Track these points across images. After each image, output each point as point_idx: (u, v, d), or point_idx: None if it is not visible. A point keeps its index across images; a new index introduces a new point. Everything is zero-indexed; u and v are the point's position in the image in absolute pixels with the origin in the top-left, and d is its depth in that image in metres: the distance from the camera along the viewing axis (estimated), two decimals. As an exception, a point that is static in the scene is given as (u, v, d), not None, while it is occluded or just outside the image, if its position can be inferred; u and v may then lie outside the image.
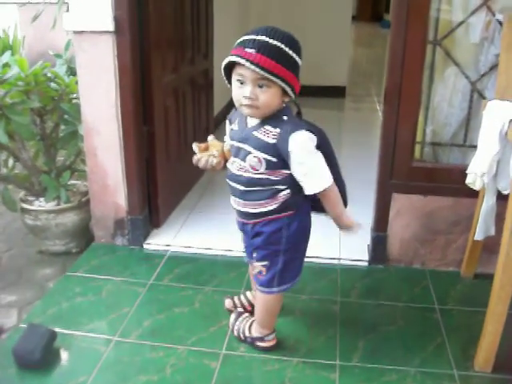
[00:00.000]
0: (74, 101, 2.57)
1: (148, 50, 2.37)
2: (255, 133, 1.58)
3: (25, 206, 2.64)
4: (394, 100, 2.13)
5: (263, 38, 1.46)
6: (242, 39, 1.50)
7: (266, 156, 1.56)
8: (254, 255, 1.76)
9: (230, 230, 2.17)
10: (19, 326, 2.04)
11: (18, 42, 2.75)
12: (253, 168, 1.59)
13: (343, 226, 1.69)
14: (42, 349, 1.81)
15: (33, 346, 1.81)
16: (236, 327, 1.94)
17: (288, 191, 1.63)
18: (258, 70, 1.45)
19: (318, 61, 5.10)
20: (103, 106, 2.34)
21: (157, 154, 2.53)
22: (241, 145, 1.61)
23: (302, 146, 1.55)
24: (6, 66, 2.44)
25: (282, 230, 1.69)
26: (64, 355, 1.89)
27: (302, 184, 1.60)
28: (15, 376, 1.79)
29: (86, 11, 2.22)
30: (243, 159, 1.60)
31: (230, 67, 1.54)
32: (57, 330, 1.93)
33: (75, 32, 2.27)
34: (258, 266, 1.76)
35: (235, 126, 1.65)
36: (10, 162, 2.71)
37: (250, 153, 1.59)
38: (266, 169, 1.58)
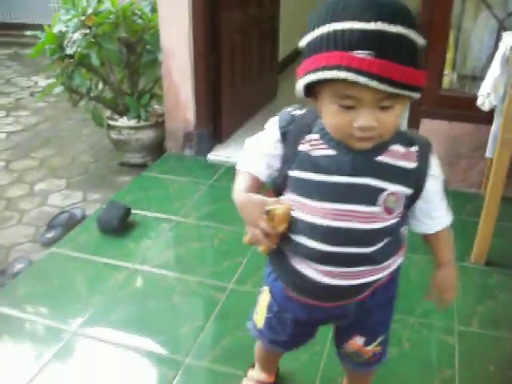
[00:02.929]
0: (156, 33, 3.08)
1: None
2: (381, 158, 1.03)
3: (111, 122, 3.21)
4: (424, 32, 2.48)
5: (378, 25, 0.86)
6: (334, 28, 0.88)
7: (405, 189, 1.06)
8: (361, 340, 1.28)
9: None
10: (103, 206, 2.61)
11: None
12: (388, 212, 1.06)
13: (455, 278, 1.24)
14: (119, 219, 2.37)
15: (112, 216, 2.36)
16: None
17: (406, 231, 1.18)
18: (390, 88, 0.88)
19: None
20: (178, 33, 2.84)
21: (222, 79, 3.02)
22: (357, 180, 1.03)
23: (439, 167, 1.11)
24: (100, 1, 2.98)
25: (397, 282, 1.26)
26: (135, 227, 2.43)
27: (426, 222, 1.15)
28: (98, 237, 2.36)
29: None
30: (371, 201, 1.04)
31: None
32: (132, 210, 2.48)
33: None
34: (369, 351, 1.30)
35: (319, 151, 1.04)
36: (100, 85, 3.27)
37: (382, 190, 1.03)
38: (402, 208, 1.09)
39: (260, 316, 1.34)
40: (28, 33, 3.10)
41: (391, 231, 1.10)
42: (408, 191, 1.07)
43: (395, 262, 1.18)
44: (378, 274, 1.15)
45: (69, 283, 2.09)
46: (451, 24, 2.55)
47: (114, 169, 3.27)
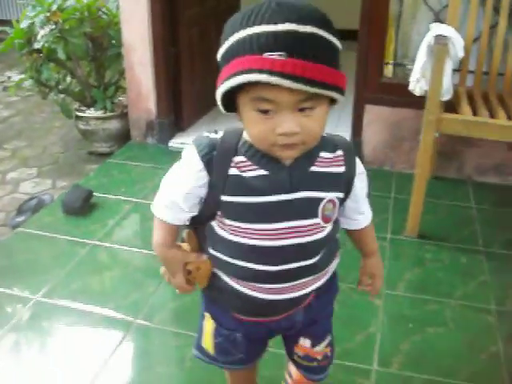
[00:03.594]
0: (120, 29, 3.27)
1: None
2: (314, 168, 1.02)
3: (79, 113, 3.39)
4: (365, 26, 2.71)
5: (287, 26, 0.85)
6: (246, 34, 0.87)
7: (338, 194, 1.06)
8: (308, 342, 1.26)
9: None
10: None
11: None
12: (326, 220, 1.06)
13: (381, 266, 1.29)
14: (81, 200, 2.56)
15: (75, 198, 2.56)
16: None
17: (338, 234, 1.18)
18: (306, 87, 0.85)
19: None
20: (139, 29, 3.04)
21: (182, 71, 3.22)
22: (296, 195, 1.00)
23: (361, 164, 1.12)
24: (65, -3, 3.16)
25: (335, 280, 1.26)
26: (97, 208, 2.63)
27: (355, 218, 1.17)
28: (62, 218, 2.55)
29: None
30: (311, 214, 1.03)
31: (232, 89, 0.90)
32: (95, 193, 2.68)
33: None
34: (320, 353, 1.28)
35: (251, 172, 0.99)
36: (68, 78, 3.46)
37: (320, 200, 1.03)
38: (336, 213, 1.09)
39: (208, 343, 1.26)
40: (-2, 28, 3.28)
41: (330, 238, 1.10)
42: (340, 195, 1.06)
43: (334, 265, 1.19)
44: (320, 280, 1.15)
45: (33, 258, 2.28)
46: (392, 16, 2.77)
47: (82, 158, 3.46)
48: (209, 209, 1.05)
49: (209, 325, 1.23)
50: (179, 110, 3.30)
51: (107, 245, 2.36)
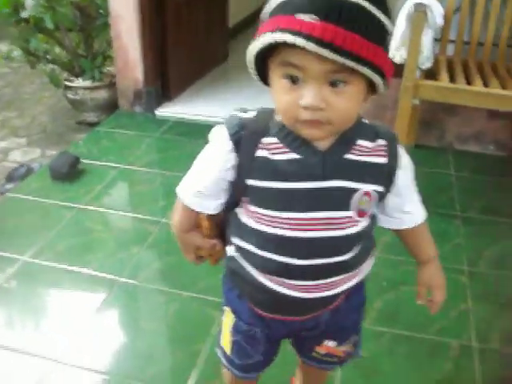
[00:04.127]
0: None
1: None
2: (350, 156, 0.94)
3: (67, 83, 3.44)
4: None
5: None
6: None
7: (378, 187, 0.97)
8: (333, 343, 1.20)
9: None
10: (56, 158, 2.87)
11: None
12: (362, 214, 0.98)
13: (442, 273, 1.18)
14: (68, 166, 2.62)
15: (62, 163, 2.62)
16: None
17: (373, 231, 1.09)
18: (334, 55, 0.77)
19: None
20: (126, -2, 3.08)
21: (168, 40, 3.27)
22: (328, 184, 0.93)
23: (407, 157, 1.03)
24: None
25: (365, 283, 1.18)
26: (84, 174, 2.70)
27: (398, 216, 1.07)
28: (49, 183, 2.62)
29: None
30: (344, 205, 0.95)
31: (264, 53, 0.85)
32: (83, 160, 2.74)
33: None
34: (342, 351, 1.22)
35: (281, 155, 0.93)
36: (56, 49, 3.50)
37: (355, 191, 0.95)
38: (373, 207, 1.01)
39: (226, 341, 1.19)
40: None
41: (365, 234, 1.02)
42: (380, 188, 0.97)
43: (369, 266, 1.10)
44: (352, 281, 1.07)
45: (21, 222, 2.36)
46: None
47: (71, 127, 3.51)
48: (235, 194, 1.00)
49: (228, 320, 1.17)
50: (166, 79, 3.35)
51: (93, 208, 2.43)
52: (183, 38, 3.46)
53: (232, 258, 1.07)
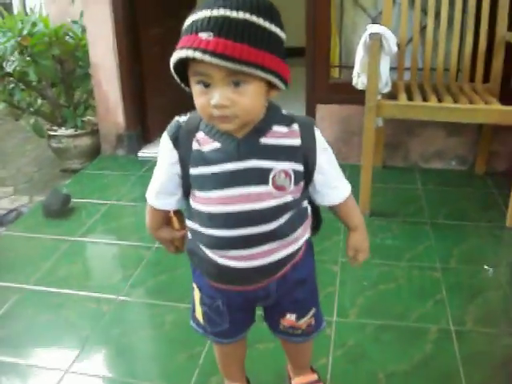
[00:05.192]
0: (86, 50, 3.55)
1: (136, 7, 3.34)
2: (265, 140, 1.14)
3: (51, 133, 3.64)
4: (310, 33, 3.05)
5: (221, 11, 1.00)
6: (190, 21, 1.04)
7: (294, 166, 1.16)
8: (293, 316, 1.39)
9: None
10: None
11: (44, 17, 3.73)
12: (280, 189, 1.16)
13: (365, 241, 1.39)
14: (60, 203, 2.79)
15: (54, 201, 2.79)
16: None
17: (308, 206, 1.30)
18: (224, 63, 0.98)
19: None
20: (104, 49, 3.33)
21: (146, 86, 3.52)
22: (244, 164, 1.13)
23: (324, 140, 1.22)
24: (34, 24, 3.44)
25: (312, 258, 1.40)
26: (75, 211, 2.87)
27: (327, 192, 1.26)
28: (43, 220, 2.78)
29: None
30: (261, 182, 1.14)
31: (184, 64, 1.06)
32: (72, 199, 2.92)
33: (83, -6, 3.27)
34: (303, 324, 1.42)
35: (208, 146, 1.15)
36: (39, 100, 3.71)
37: (270, 169, 1.14)
38: (295, 184, 1.18)
39: (198, 312, 1.41)
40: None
41: (290, 207, 1.19)
42: (298, 166, 1.16)
43: (302, 236, 1.27)
44: (287, 249, 1.24)
45: (19, 255, 2.50)
46: (335, 25, 3.12)
47: (56, 175, 3.69)
48: (184, 185, 1.21)
49: (196, 294, 1.39)
50: (146, 123, 3.58)
51: (87, 239, 2.59)
52: (160, 83, 3.68)
53: (190, 240, 1.30)
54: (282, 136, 1.16)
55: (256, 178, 1.14)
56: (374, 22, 3.09)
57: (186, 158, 1.17)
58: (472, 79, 2.86)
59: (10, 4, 5.51)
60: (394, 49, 2.62)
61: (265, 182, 1.14)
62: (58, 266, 2.39)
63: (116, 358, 1.87)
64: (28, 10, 3.81)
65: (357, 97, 2.92)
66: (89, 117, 3.79)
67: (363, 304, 2.10)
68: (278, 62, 1.05)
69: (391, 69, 2.88)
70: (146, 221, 1.34)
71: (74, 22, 3.75)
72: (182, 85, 1.14)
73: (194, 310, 1.44)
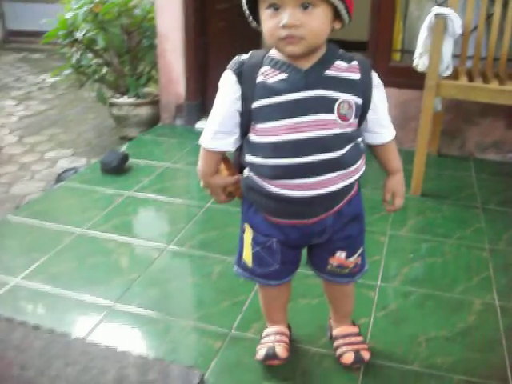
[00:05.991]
0: (153, 22, 3.67)
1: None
2: (329, 72, 1.23)
3: (113, 100, 3.77)
4: (375, 19, 3.08)
5: None
6: None
7: (355, 98, 1.24)
8: (344, 254, 1.45)
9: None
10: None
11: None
12: (343, 118, 1.23)
13: (402, 186, 1.47)
14: (117, 161, 2.90)
15: (111, 158, 2.90)
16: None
17: (362, 144, 1.36)
18: None
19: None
20: (172, 20, 3.43)
21: (209, 59, 3.61)
22: (311, 93, 1.20)
23: (379, 78, 1.32)
24: (105, -7, 3.58)
25: (362, 200, 1.46)
26: (131, 170, 2.98)
27: (377, 131, 1.35)
28: (101, 176, 2.90)
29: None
30: (328, 110, 1.21)
31: None
32: (130, 158, 3.03)
33: (154, -35, 3.39)
34: (352, 262, 1.48)
35: (273, 77, 1.22)
36: (104, 68, 3.85)
37: (335, 99, 1.21)
38: (355, 117, 1.26)
39: (247, 254, 1.45)
40: (43, 20, 3.69)
41: (350, 138, 1.27)
42: (358, 100, 1.24)
43: (360, 169, 1.34)
44: (348, 179, 1.31)
45: (76, 203, 2.63)
46: (400, 9, 3.14)
47: (114, 142, 3.81)
48: (244, 120, 1.26)
49: (248, 235, 1.43)
50: (206, 95, 3.66)
51: (141, 195, 2.69)
52: (223, 59, 3.78)
53: (247, 177, 1.35)
54: (344, 70, 1.24)
55: (322, 107, 1.22)
56: (439, 8, 3.09)
57: (250, 93, 1.23)
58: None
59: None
60: (459, 31, 2.61)
61: (330, 110, 1.22)
62: (111, 215, 2.49)
63: (161, 300, 1.95)
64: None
65: (416, 82, 2.92)
66: (150, 88, 3.90)
67: (408, 273, 2.13)
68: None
69: (454, 56, 2.88)
70: (199, 167, 1.38)
71: (143, -5, 3.87)
72: (250, 18, 1.24)
73: (240, 255, 1.49)
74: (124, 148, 3.29)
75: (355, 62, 1.26)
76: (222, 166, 1.39)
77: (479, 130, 3.15)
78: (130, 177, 2.90)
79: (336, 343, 1.65)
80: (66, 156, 3.57)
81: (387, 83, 3.15)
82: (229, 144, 1.32)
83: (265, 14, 1.16)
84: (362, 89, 1.26)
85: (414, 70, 2.77)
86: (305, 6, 1.12)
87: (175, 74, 3.56)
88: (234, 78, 1.25)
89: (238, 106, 1.26)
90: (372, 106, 1.29)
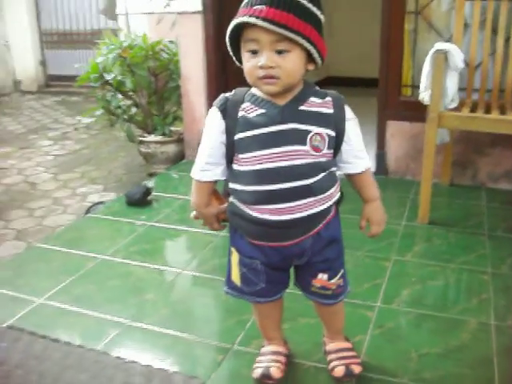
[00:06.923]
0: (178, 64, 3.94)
1: (223, 24, 3.70)
2: (303, 107, 1.38)
3: (141, 138, 4.03)
4: (384, 55, 3.27)
5: None
6: (245, 0, 1.30)
7: (328, 131, 1.39)
8: (325, 276, 1.57)
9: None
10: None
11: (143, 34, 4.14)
12: (316, 149, 1.38)
13: (382, 212, 1.59)
14: (141, 194, 3.13)
15: (135, 192, 3.13)
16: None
17: (336, 173, 1.51)
18: (272, 27, 1.23)
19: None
20: (195, 62, 3.71)
21: (229, 98, 3.84)
22: (286, 126, 1.36)
23: (352, 113, 1.46)
24: (133, 39, 3.88)
25: (340, 224, 1.59)
26: (154, 202, 3.21)
27: (351, 161, 1.49)
28: (125, 208, 3.13)
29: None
30: (301, 142, 1.36)
31: (238, 39, 1.34)
32: (154, 193, 3.25)
33: (179, 13, 3.67)
34: (333, 284, 1.60)
35: (253, 112, 1.38)
36: (133, 109, 4.13)
37: (308, 132, 1.37)
38: (327, 148, 1.41)
39: (235, 274, 1.59)
40: (76, 65, 4.02)
41: (324, 167, 1.42)
42: (330, 132, 1.39)
43: (333, 196, 1.48)
44: (322, 205, 1.44)
45: (100, 232, 2.85)
46: (409, 46, 3.32)
47: (143, 178, 4.04)
48: (229, 152, 1.41)
49: (234, 257, 1.57)
50: (227, 132, 3.89)
51: (161, 225, 2.90)
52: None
53: (231, 203, 1.50)
54: (318, 105, 1.40)
55: (296, 139, 1.37)
56: (447, 44, 3.26)
57: (233, 126, 1.40)
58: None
59: (118, 30, 6.10)
60: (461, 65, 2.77)
61: (303, 142, 1.37)
62: (131, 243, 2.70)
63: (171, 318, 2.11)
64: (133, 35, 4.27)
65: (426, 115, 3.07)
66: (176, 127, 4.15)
67: (408, 295, 2.23)
68: (317, 37, 1.31)
69: (461, 89, 3.04)
70: (192, 200, 1.53)
71: (171, 42, 4.16)
72: (234, 58, 1.40)
73: (229, 275, 1.63)
74: (149, 182, 3.51)
75: (329, 98, 1.42)
76: (213, 197, 1.55)
77: (490, 160, 3.27)
78: (152, 209, 3.12)
79: (329, 358, 1.78)
80: (96, 191, 3.82)
81: (398, 117, 3.36)
82: (217, 174, 1.47)
83: (245, 56, 1.33)
84: (335, 122, 1.41)
85: (422, 103, 2.93)
86: (279, 52, 1.28)
87: (198, 113, 3.80)
88: (218, 114, 1.41)
89: (223, 138, 1.41)
90: (346, 138, 1.44)
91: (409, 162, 3.39)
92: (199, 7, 3.59)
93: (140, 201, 3.12)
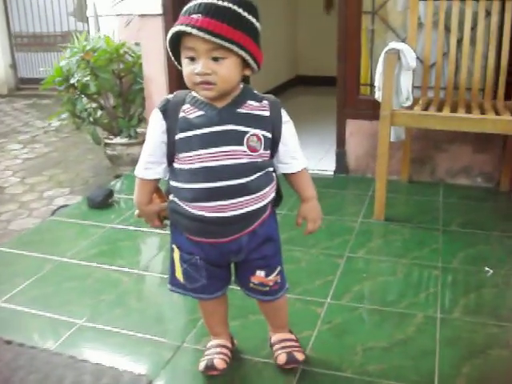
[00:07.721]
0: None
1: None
2: (241, 110, 1.46)
3: (107, 141, 4.08)
4: (342, 55, 3.34)
5: (210, 0, 1.33)
6: (186, 7, 1.37)
7: (264, 132, 1.47)
8: (263, 273, 1.66)
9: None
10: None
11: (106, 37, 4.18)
12: (252, 150, 1.46)
13: (318, 210, 1.68)
14: (102, 197, 3.18)
15: (97, 194, 3.19)
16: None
17: (273, 173, 1.59)
18: (208, 36, 1.30)
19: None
20: (157, 63, 3.76)
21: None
22: (224, 127, 1.43)
23: (288, 116, 1.55)
24: (96, 41, 3.92)
25: (277, 224, 1.68)
26: (115, 204, 3.26)
27: (288, 161, 1.57)
28: (87, 210, 3.18)
29: (146, 1, 3.69)
30: (238, 142, 1.44)
31: (179, 44, 1.39)
32: (117, 195, 3.31)
33: (140, 15, 3.73)
34: (271, 281, 1.68)
35: (193, 113, 1.45)
36: (98, 112, 4.17)
37: (245, 132, 1.45)
38: (264, 149, 1.48)
39: (178, 271, 1.66)
40: (42, 68, 4.05)
41: (260, 167, 1.49)
42: (267, 134, 1.47)
43: (269, 196, 1.56)
44: (257, 203, 1.52)
45: (61, 235, 2.90)
46: (366, 46, 3.40)
47: (110, 180, 4.09)
48: (169, 151, 1.48)
49: (176, 254, 1.64)
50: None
51: (120, 227, 2.96)
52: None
53: (172, 201, 1.56)
54: (255, 108, 1.48)
55: (233, 139, 1.44)
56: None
57: (173, 127, 1.46)
58: (495, 97, 3.03)
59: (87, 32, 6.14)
60: (413, 64, 2.85)
61: (240, 142, 1.44)
62: (92, 245, 2.76)
63: (124, 318, 2.16)
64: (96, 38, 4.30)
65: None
66: (142, 129, 4.21)
67: (358, 291, 2.31)
68: (252, 44, 1.39)
69: (416, 87, 3.12)
70: (135, 198, 1.59)
71: (137, 44, 4.21)
72: (175, 62, 1.47)
73: (173, 273, 1.69)
74: (111, 185, 3.56)
75: (266, 102, 1.50)
76: (154, 195, 1.63)
77: (448, 156, 3.36)
78: (113, 211, 3.17)
79: (274, 348, 1.86)
80: (63, 194, 3.86)
81: (357, 116, 3.43)
82: (159, 173, 1.54)
83: (184, 62, 1.40)
84: (272, 124, 1.49)
85: (376, 99, 3.00)
86: (215, 59, 1.35)
87: (161, 115, 3.85)
88: (160, 115, 1.49)
89: (164, 138, 1.48)
90: (282, 139, 1.52)
91: (369, 160, 3.46)
92: (159, 10, 3.64)
93: (102, 203, 3.17)
